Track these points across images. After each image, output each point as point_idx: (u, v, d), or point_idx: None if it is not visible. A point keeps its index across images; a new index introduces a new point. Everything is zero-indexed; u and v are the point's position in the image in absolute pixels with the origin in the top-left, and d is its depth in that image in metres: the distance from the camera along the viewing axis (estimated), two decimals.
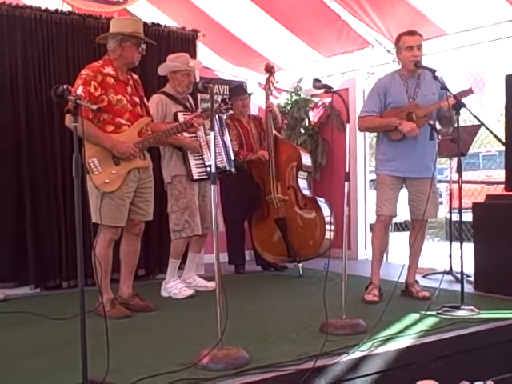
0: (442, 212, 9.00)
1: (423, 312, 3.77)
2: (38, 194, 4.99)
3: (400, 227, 7.69)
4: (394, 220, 6.58)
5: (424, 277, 5.19)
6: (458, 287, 4.11)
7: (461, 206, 3.96)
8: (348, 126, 3.80)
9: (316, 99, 6.97)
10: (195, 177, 4.66)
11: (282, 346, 3.15)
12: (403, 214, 4.74)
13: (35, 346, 3.35)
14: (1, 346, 3.37)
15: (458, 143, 3.92)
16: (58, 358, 3.08)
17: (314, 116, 7.04)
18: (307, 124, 6.97)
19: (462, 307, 3.81)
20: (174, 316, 4.06)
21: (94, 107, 2.92)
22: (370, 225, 6.06)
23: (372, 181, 5.74)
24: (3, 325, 3.86)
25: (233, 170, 4.93)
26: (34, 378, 2.77)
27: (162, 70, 4.83)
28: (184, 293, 4.63)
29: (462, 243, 3.95)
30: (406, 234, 4.68)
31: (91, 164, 3.85)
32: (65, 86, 2.76)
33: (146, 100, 4.30)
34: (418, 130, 4.18)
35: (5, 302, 4.54)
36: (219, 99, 5.11)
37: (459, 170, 3.94)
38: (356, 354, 2.94)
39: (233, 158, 5.00)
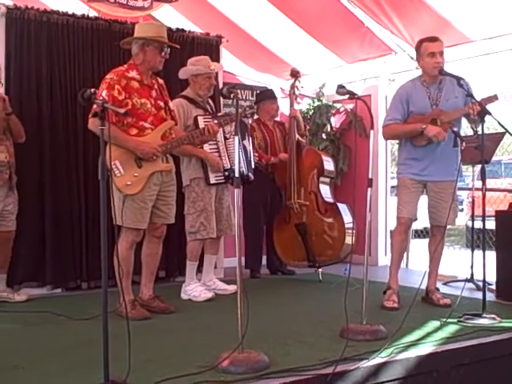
0: (463, 219, 8.92)
1: (444, 319, 3.75)
2: (60, 195, 5.04)
3: (420, 234, 7.63)
4: (414, 227, 6.57)
5: (445, 284, 5.16)
6: (479, 295, 4.09)
7: (484, 214, 3.93)
8: (372, 132, 3.79)
9: (338, 105, 6.97)
10: (212, 181, 4.70)
11: (302, 351, 3.15)
12: (423, 220, 4.72)
13: (57, 345, 3.39)
14: (24, 345, 3.42)
15: (482, 150, 3.90)
16: (79, 357, 3.11)
17: (335, 122, 7.04)
18: (329, 130, 6.97)
19: (484, 315, 3.78)
20: (193, 318, 4.08)
21: (122, 111, 2.96)
22: (391, 231, 6.04)
23: (393, 187, 5.72)
24: (26, 324, 3.91)
25: (251, 175, 4.93)
26: (56, 377, 2.80)
27: (182, 74, 4.88)
28: (204, 295, 4.66)
29: (484, 251, 3.92)
30: (426, 240, 4.66)
31: (113, 166, 3.88)
32: (92, 90, 2.81)
33: (171, 104, 4.34)
34: (444, 134, 4.16)
35: (27, 302, 4.59)
36: (244, 104, 5.14)
37: (483, 178, 3.91)
38: (377, 360, 2.93)
39: (253, 163, 5.02)
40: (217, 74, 5.03)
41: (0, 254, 4.59)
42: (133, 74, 4.08)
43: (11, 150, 4.56)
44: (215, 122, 4.53)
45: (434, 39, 4.26)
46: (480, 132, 3.94)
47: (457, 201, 4.48)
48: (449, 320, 3.73)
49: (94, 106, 3.59)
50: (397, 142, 4.79)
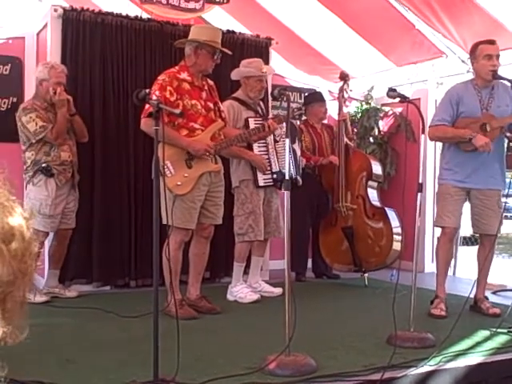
0: (511, 227, 8.72)
1: (494, 329, 3.68)
2: (109, 194, 5.10)
3: (468, 241, 7.50)
4: (462, 234, 6.46)
5: (494, 293, 5.04)
6: None
7: None
8: (422, 136, 3.74)
9: (386, 108, 6.90)
10: (261, 183, 4.71)
11: (349, 356, 3.14)
12: (471, 227, 4.63)
13: (107, 341, 3.46)
14: (75, 340, 3.49)
15: None
16: (128, 354, 3.17)
17: (383, 125, 6.97)
18: (376, 133, 6.91)
19: None
20: (240, 320, 4.10)
21: (177, 111, 2.99)
22: (438, 238, 5.96)
23: None
24: (77, 320, 3.99)
25: (299, 179, 4.91)
26: (107, 372, 2.85)
27: (235, 75, 4.91)
28: (250, 297, 4.67)
29: None
30: (474, 248, 4.58)
31: (165, 167, 3.94)
32: (147, 91, 2.86)
33: (220, 105, 4.38)
34: (491, 146, 4.08)
35: (78, 298, 4.68)
36: (292, 106, 5.15)
37: None
38: (425, 368, 2.91)
39: (301, 166, 5.01)
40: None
41: (57, 250, 4.71)
42: (184, 75, 4.13)
43: (74, 149, 4.68)
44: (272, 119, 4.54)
45: (491, 42, 4.18)
46: None
47: (501, 208, 4.39)
48: (498, 330, 3.66)
49: (147, 106, 3.66)
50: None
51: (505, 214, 5.21)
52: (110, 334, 3.63)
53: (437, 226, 4.40)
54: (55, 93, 4.45)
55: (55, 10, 4.92)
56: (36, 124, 4.44)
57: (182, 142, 4.01)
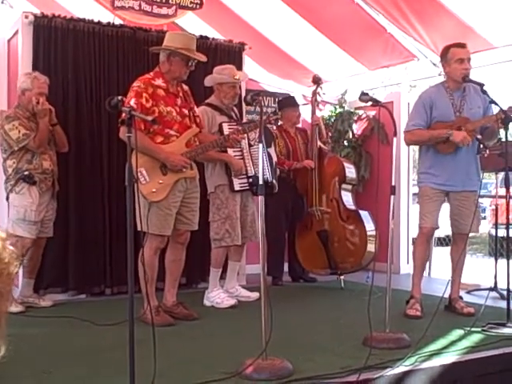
0: (485, 227, 8.84)
1: (468, 328, 3.73)
2: (85, 202, 5.08)
3: (443, 242, 7.59)
4: (437, 234, 6.54)
5: (468, 293, 5.12)
6: (503, 304, 4.07)
7: (508, 222, 3.91)
8: (395, 139, 3.78)
9: (360, 112, 6.96)
10: (236, 188, 4.72)
11: (325, 358, 3.15)
12: (445, 228, 4.70)
13: (83, 350, 3.42)
14: (50, 350, 3.45)
15: (505, 158, 3.88)
16: (105, 362, 3.15)
17: (357, 129, 7.03)
18: (351, 137, 6.96)
19: (508, 325, 3.75)
20: (216, 325, 4.10)
21: (150, 118, 2.99)
22: (413, 239, 6.03)
23: (415, 194, 5.71)
24: (52, 329, 3.95)
25: (275, 182, 4.91)
26: (83, 382, 2.84)
27: (208, 81, 4.92)
28: (226, 302, 4.67)
29: (508, 259, 3.89)
30: (448, 248, 4.64)
31: (139, 174, 3.92)
32: (119, 98, 2.84)
33: (196, 111, 4.38)
34: (470, 139, 4.14)
35: (53, 308, 4.63)
36: (268, 111, 5.17)
37: (507, 185, 3.90)
38: (400, 369, 2.93)
39: (278, 171, 5.02)
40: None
41: (31, 259, 4.67)
42: (159, 82, 4.12)
43: (54, 158, 4.69)
44: (239, 128, 4.56)
45: (462, 45, 4.25)
46: (504, 139, 3.93)
47: (479, 208, 4.45)
48: (472, 329, 3.71)
49: (123, 114, 3.65)
50: (418, 148, 4.76)
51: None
52: (85, 342, 3.60)
53: (419, 227, 4.45)
54: (37, 102, 4.45)
55: (26, 17, 4.88)
56: (19, 132, 4.45)
57: (159, 155, 4.01)
